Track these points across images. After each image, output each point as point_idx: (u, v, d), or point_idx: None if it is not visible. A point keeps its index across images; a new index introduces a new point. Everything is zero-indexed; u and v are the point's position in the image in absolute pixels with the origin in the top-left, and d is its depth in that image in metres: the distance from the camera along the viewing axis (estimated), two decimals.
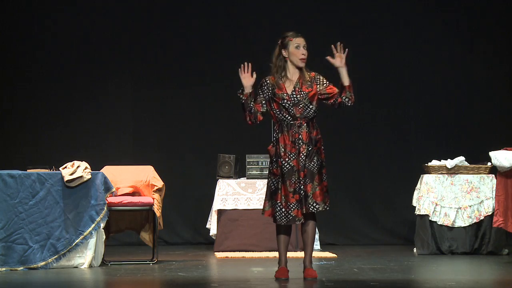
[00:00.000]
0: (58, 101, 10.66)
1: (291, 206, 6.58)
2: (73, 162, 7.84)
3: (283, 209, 6.58)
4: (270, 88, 6.84)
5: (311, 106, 6.79)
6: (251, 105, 6.79)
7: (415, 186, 9.36)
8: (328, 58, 6.83)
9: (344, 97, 6.84)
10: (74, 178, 7.70)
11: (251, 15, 10.81)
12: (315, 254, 8.97)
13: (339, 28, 10.83)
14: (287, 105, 6.73)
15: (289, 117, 6.72)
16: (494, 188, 8.94)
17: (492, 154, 8.69)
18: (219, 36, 10.81)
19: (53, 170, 7.84)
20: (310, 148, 6.71)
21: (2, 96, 10.62)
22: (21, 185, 7.61)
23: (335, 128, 10.76)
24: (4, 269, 7.48)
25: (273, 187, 6.67)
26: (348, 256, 8.83)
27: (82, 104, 10.66)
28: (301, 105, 6.76)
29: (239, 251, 9.16)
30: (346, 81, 6.92)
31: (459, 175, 9.21)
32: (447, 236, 9.13)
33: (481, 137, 10.43)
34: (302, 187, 6.60)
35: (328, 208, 6.68)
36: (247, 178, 9.58)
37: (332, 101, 6.86)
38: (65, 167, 7.79)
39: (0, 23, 10.64)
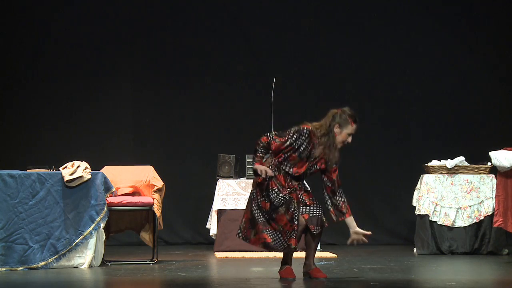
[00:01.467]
0: (58, 101, 10.66)
1: (288, 234, 6.62)
2: (73, 162, 7.84)
3: (281, 237, 6.64)
4: (306, 142, 6.68)
5: (309, 173, 6.79)
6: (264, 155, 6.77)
7: (415, 186, 9.36)
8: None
9: (332, 194, 6.90)
10: (74, 178, 7.70)
11: (251, 15, 10.81)
12: (316, 254, 8.97)
13: (339, 28, 10.83)
14: (309, 165, 6.68)
15: (298, 173, 6.68)
16: (494, 188, 8.94)
17: (492, 154, 8.69)
18: (220, 36, 10.81)
19: (53, 170, 7.84)
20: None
21: (2, 96, 10.62)
22: (21, 185, 7.61)
23: None
24: (4, 269, 7.48)
25: (263, 219, 6.63)
26: (348, 256, 8.83)
27: (82, 104, 10.66)
28: (307, 172, 6.74)
29: (239, 251, 9.16)
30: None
31: (459, 175, 9.21)
32: (447, 236, 9.13)
33: (481, 137, 10.43)
34: (299, 213, 6.66)
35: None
36: (247, 178, 9.57)
37: (323, 176, 6.84)
38: (65, 167, 7.79)
39: (0, 24, 10.64)
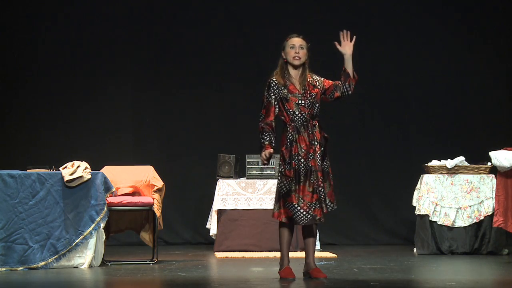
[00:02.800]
0: (58, 101, 10.66)
1: (312, 205, 6.59)
2: (73, 162, 7.84)
3: (302, 210, 6.58)
4: (279, 88, 6.85)
5: (317, 105, 6.86)
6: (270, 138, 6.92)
7: (415, 186, 9.36)
8: (336, 44, 6.83)
9: (343, 89, 6.84)
10: (74, 178, 7.70)
11: (252, 15, 10.81)
12: (316, 254, 8.98)
13: (339, 28, 10.81)
14: (303, 105, 6.75)
15: (304, 118, 6.76)
16: (494, 188, 8.95)
17: (492, 154, 8.69)
18: (220, 36, 10.81)
19: (53, 170, 7.84)
20: (322, 148, 6.78)
21: (2, 96, 10.62)
22: (21, 185, 7.61)
23: (335, 127, 10.75)
24: (4, 269, 7.48)
25: (284, 189, 6.67)
26: (348, 256, 8.83)
27: (82, 104, 10.67)
28: (311, 106, 6.79)
29: (239, 251, 9.16)
30: (350, 70, 6.95)
31: (459, 175, 9.21)
32: (447, 236, 9.13)
33: (481, 137, 10.43)
34: (320, 187, 6.63)
35: (336, 208, 6.76)
36: (247, 178, 9.58)
37: (329, 94, 6.87)
38: (65, 167, 7.79)
39: (0, 24, 10.64)
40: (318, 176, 6.67)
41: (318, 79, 6.92)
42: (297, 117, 6.80)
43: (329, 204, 6.66)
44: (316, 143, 6.77)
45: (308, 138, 6.78)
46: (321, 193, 6.62)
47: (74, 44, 10.66)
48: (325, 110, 10.73)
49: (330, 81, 6.92)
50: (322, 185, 6.65)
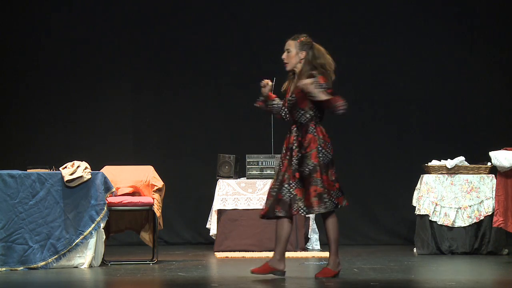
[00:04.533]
0: (58, 101, 10.66)
1: (266, 200, 6.74)
2: (73, 162, 7.84)
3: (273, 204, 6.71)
4: (284, 91, 6.92)
5: (301, 111, 6.74)
6: (272, 105, 6.93)
7: (415, 186, 9.36)
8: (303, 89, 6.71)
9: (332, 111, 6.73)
10: (74, 178, 7.70)
11: (252, 15, 10.81)
12: (316, 254, 8.98)
13: (339, 28, 10.83)
14: (287, 109, 6.76)
15: (289, 121, 6.82)
16: (494, 188, 8.95)
17: (492, 154, 8.70)
18: (220, 36, 10.81)
19: (53, 170, 7.84)
20: (300, 155, 6.68)
21: (2, 96, 10.62)
22: (21, 185, 7.61)
23: (335, 127, 10.74)
24: (4, 269, 7.47)
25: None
26: (348, 256, 8.83)
27: (82, 104, 10.67)
28: (291, 111, 6.78)
29: (239, 251, 9.16)
30: (324, 99, 6.66)
31: (459, 175, 9.21)
32: (447, 236, 9.13)
33: (481, 137, 10.43)
34: (277, 189, 6.65)
35: (320, 211, 6.64)
36: (247, 178, 9.58)
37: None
38: (65, 167, 7.79)
39: (0, 24, 10.64)
40: (284, 179, 6.65)
41: (321, 88, 6.69)
42: (285, 120, 6.84)
43: (303, 208, 6.59)
44: (294, 148, 6.70)
45: (288, 141, 6.76)
46: (277, 193, 6.62)
47: (74, 44, 10.66)
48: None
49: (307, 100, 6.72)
50: (287, 187, 6.61)
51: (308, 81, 6.62)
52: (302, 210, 6.61)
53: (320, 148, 6.68)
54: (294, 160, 6.68)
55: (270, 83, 6.90)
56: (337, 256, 6.83)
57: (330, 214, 6.73)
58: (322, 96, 6.59)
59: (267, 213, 6.70)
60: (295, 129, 6.77)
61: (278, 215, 6.65)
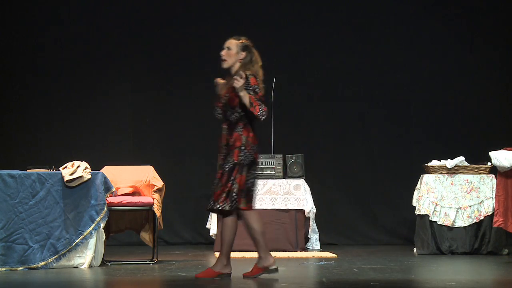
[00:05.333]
0: (58, 101, 10.66)
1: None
2: (73, 162, 7.84)
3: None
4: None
5: (232, 110, 6.80)
6: None
7: (415, 186, 9.36)
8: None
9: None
10: (74, 178, 7.70)
11: (252, 15, 10.80)
12: (316, 254, 8.98)
13: (339, 28, 10.83)
14: (219, 108, 6.89)
15: (222, 119, 6.91)
16: (494, 188, 8.95)
17: (492, 154, 8.69)
18: (220, 35, 10.77)
19: (53, 170, 7.84)
20: (226, 153, 6.81)
21: (2, 96, 10.62)
22: (21, 185, 7.61)
23: (335, 128, 10.77)
24: (4, 269, 7.47)
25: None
26: (348, 256, 8.83)
27: (82, 104, 10.66)
28: (224, 109, 6.86)
29: (239, 251, 9.15)
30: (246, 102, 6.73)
31: (459, 175, 9.21)
32: (447, 236, 9.13)
33: (481, 137, 10.43)
34: (214, 184, 6.84)
35: (221, 208, 6.76)
36: None
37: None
38: (65, 167, 7.79)
39: (0, 24, 10.64)
40: (217, 175, 6.82)
41: (251, 89, 6.74)
42: (218, 119, 6.94)
43: (211, 202, 6.80)
44: (224, 145, 6.83)
45: (222, 138, 6.87)
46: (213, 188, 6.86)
47: (74, 44, 10.66)
48: (326, 110, 10.79)
49: (252, 96, 6.73)
50: (216, 182, 6.79)
51: (239, 77, 6.69)
52: (209, 206, 6.82)
53: (242, 148, 6.75)
54: (222, 157, 6.82)
55: (221, 81, 6.87)
56: (226, 258, 6.88)
57: (231, 214, 6.82)
58: (245, 96, 6.68)
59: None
60: (225, 127, 6.86)
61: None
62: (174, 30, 10.76)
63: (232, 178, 6.71)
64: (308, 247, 9.60)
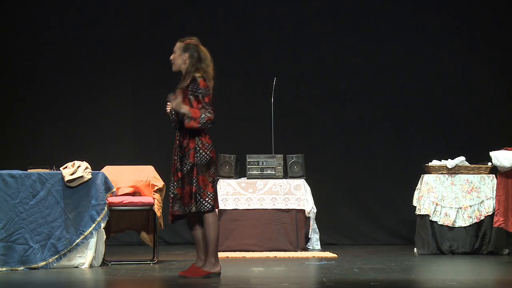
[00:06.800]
0: (59, 101, 10.66)
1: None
2: (73, 162, 7.84)
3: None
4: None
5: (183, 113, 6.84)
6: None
7: (416, 186, 9.36)
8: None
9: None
10: (74, 178, 7.70)
11: (251, 14, 10.81)
12: (316, 254, 8.98)
13: (339, 28, 10.83)
14: (174, 111, 6.92)
15: (174, 122, 6.96)
16: (495, 188, 8.95)
17: (492, 154, 8.70)
18: (220, 36, 10.81)
19: (53, 170, 7.84)
20: (181, 155, 6.83)
21: (3, 96, 10.63)
22: (22, 185, 7.61)
23: (336, 128, 10.77)
24: (4, 269, 7.48)
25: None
26: (349, 256, 8.83)
27: (82, 104, 10.67)
28: (174, 113, 6.92)
29: (240, 251, 9.16)
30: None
31: (459, 175, 9.21)
32: (448, 236, 9.13)
33: (482, 137, 10.43)
34: (173, 189, 6.83)
35: (193, 211, 6.76)
36: (247, 178, 9.58)
37: None
38: (66, 167, 7.79)
39: (1, 25, 10.64)
40: (173, 179, 6.83)
41: (192, 90, 6.83)
42: (172, 122, 6.98)
43: (180, 206, 6.82)
44: (177, 148, 6.85)
45: (176, 140, 6.90)
46: (170, 193, 6.86)
47: (74, 44, 10.66)
48: (326, 110, 10.79)
49: (196, 102, 6.81)
50: (171, 186, 6.84)
51: (172, 98, 6.81)
52: (179, 210, 6.80)
53: (197, 149, 6.80)
54: (177, 160, 6.82)
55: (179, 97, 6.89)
56: (214, 257, 6.85)
57: (208, 214, 6.81)
58: (184, 112, 6.76)
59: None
60: (179, 130, 6.89)
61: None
62: (174, 29, 10.75)
63: (194, 179, 6.75)
64: (309, 247, 9.60)
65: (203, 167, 6.76)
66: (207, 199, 6.74)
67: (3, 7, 10.65)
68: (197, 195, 6.73)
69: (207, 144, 6.81)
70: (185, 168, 6.77)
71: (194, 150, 6.77)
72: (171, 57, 7.02)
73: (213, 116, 6.77)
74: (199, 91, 6.77)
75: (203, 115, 6.73)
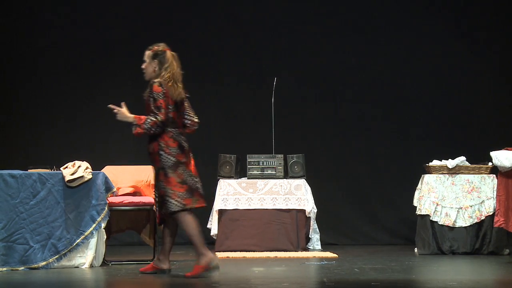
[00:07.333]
0: (59, 101, 10.66)
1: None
2: (74, 162, 7.84)
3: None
4: None
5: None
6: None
7: (416, 186, 9.36)
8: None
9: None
10: (75, 178, 7.70)
11: (253, 15, 10.81)
12: (317, 254, 8.98)
13: (339, 28, 10.83)
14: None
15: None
16: (495, 188, 8.94)
17: (493, 154, 8.69)
18: (221, 36, 10.81)
19: (54, 170, 7.84)
20: (150, 160, 7.05)
21: (3, 96, 10.62)
22: (22, 185, 7.61)
23: (336, 128, 10.77)
24: (5, 269, 7.48)
25: None
26: (349, 256, 8.83)
27: (82, 104, 10.67)
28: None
29: (240, 251, 9.16)
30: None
31: (460, 175, 9.21)
32: (448, 236, 9.12)
33: (482, 137, 10.43)
34: (156, 192, 7.10)
35: (162, 211, 6.99)
36: (248, 178, 9.58)
37: None
38: (66, 167, 7.79)
39: (1, 25, 10.64)
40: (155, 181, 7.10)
41: (150, 96, 7.03)
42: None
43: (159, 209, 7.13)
44: (148, 154, 7.04)
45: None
46: (155, 196, 7.15)
47: (75, 44, 10.66)
48: (326, 110, 10.78)
49: (150, 106, 7.02)
50: (156, 188, 7.06)
51: (119, 113, 7.10)
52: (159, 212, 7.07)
53: (161, 152, 6.96)
54: (151, 165, 7.08)
55: (123, 107, 7.18)
56: (200, 249, 6.98)
57: (179, 214, 6.94)
58: (128, 120, 7.10)
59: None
60: (147, 136, 7.06)
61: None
62: (174, 30, 10.76)
63: (161, 182, 6.94)
64: (309, 247, 9.60)
65: (169, 169, 6.93)
66: (177, 198, 6.91)
67: (3, 7, 10.64)
68: (166, 197, 6.90)
69: (171, 148, 6.98)
70: (155, 172, 6.99)
71: (158, 154, 6.94)
72: (143, 66, 7.24)
73: (159, 119, 6.93)
74: (152, 95, 7.00)
75: (147, 120, 6.97)
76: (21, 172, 7.70)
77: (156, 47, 7.22)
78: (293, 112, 10.68)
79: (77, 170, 7.74)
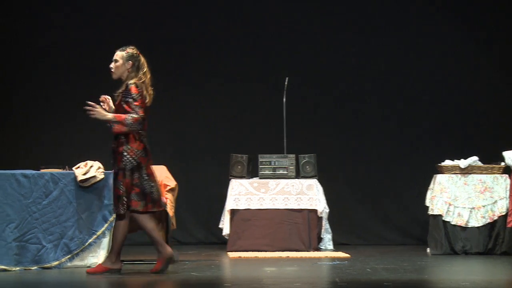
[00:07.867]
0: (71, 100, 10.64)
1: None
2: (86, 162, 7.85)
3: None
4: None
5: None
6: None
7: (428, 186, 9.33)
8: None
9: None
10: (87, 178, 7.72)
11: (261, 15, 10.79)
12: (329, 254, 8.98)
13: (349, 28, 10.81)
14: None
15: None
16: (508, 188, 8.92)
17: (505, 154, 8.68)
18: (232, 35, 10.80)
19: (66, 170, 7.86)
20: (112, 159, 7.16)
21: (15, 96, 10.65)
22: (35, 185, 7.63)
23: (348, 128, 10.75)
24: (18, 268, 7.49)
25: None
26: (361, 256, 8.82)
27: (95, 104, 10.65)
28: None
29: (252, 251, 9.16)
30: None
31: (472, 175, 9.18)
32: (461, 236, 9.10)
33: (495, 137, 10.39)
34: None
35: (116, 212, 7.10)
36: (259, 178, 9.57)
37: None
38: (78, 167, 7.81)
39: (3, 25, 10.66)
40: None
41: (124, 96, 7.14)
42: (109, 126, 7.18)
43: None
44: (111, 152, 7.14)
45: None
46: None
47: (82, 42, 10.63)
48: (338, 109, 10.77)
49: (127, 107, 7.12)
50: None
51: (96, 112, 7.15)
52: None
53: (125, 154, 7.09)
54: (112, 163, 7.16)
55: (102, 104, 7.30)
56: (115, 256, 7.14)
57: (124, 217, 7.11)
58: (107, 117, 7.14)
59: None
60: (116, 136, 7.14)
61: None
62: (185, 28, 10.76)
63: (119, 182, 7.05)
64: (321, 247, 9.59)
65: (127, 172, 7.05)
66: (132, 201, 7.06)
67: (3, 7, 10.66)
68: (123, 197, 7.02)
69: (135, 150, 7.10)
70: (115, 171, 7.10)
71: (122, 155, 7.06)
72: (112, 65, 7.29)
73: (141, 117, 7.08)
74: (130, 96, 7.09)
75: (129, 117, 7.06)
76: (33, 172, 7.72)
77: (130, 49, 7.29)
78: (305, 112, 10.67)
79: (89, 170, 7.76)
